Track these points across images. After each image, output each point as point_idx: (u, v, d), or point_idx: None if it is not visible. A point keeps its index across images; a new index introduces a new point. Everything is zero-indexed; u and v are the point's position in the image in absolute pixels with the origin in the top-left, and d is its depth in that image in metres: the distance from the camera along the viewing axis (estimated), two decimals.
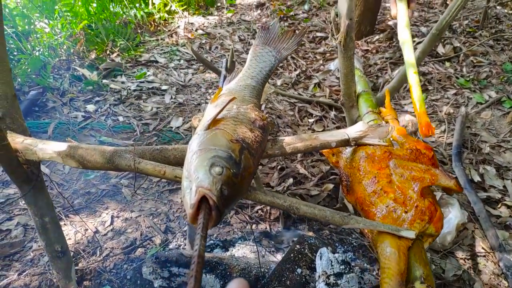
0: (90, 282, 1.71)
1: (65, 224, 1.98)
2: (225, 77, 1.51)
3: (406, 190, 1.00)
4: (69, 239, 1.90)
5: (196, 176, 0.82)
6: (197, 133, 0.97)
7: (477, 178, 2.53)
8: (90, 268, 1.76)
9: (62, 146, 1.19)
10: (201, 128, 0.99)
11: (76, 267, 1.74)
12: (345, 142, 1.27)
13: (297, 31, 1.53)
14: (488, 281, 1.87)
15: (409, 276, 0.85)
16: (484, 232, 2.12)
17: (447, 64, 3.91)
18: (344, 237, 2.03)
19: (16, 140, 1.19)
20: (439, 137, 3.01)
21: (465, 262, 1.96)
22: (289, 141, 1.26)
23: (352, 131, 1.29)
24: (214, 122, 1.02)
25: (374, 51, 4.20)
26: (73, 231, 1.94)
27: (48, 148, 1.18)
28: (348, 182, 1.23)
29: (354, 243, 2.00)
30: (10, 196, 2.09)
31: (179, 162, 1.18)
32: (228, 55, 1.71)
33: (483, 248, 2.04)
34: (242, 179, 0.88)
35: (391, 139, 1.36)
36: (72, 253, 1.80)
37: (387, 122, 1.55)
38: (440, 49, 4.07)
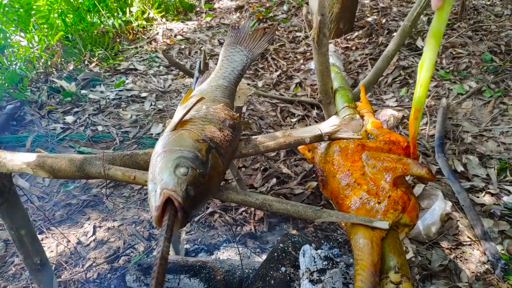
0: None
1: (46, 237, 1.94)
2: (197, 79, 1.50)
3: (379, 181, 1.00)
4: (51, 251, 1.87)
5: (161, 178, 0.81)
6: (163, 134, 0.96)
7: (460, 168, 2.55)
8: (73, 280, 1.73)
9: (31, 157, 1.16)
10: (167, 130, 0.97)
11: (59, 279, 1.71)
12: (319, 137, 1.27)
13: (267, 29, 1.53)
14: (475, 269, 1.88)
15: (383, 266, 0.85)
16: (469, 221, 2.13)
17: None
18: (329, 233, 2.03)
19: None
20: (422, 129, 3.03)
21: (451, 252, 1.97)
22: (262, 139, 1.25)
23: (325, 126, 1.28)
24: (182, 123, 1.01)
25: (353, 48, 4.22)
26: (55, 244, 1.91)
27: (17, 160, 1.16)
28: (323, 177, 1.22)
29: (340, 239, 1.99)
30: None
31: None
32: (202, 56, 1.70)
33: (468, 237, 2.05)
34: (209, 179, 0.87)
35: (366, 132, 1.36)
36: (54, 266, 1.77)
37: (362, 116, 1.55)
38: (419, 43, 4.10)
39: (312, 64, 3.91)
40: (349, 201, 1.02)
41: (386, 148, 1.15)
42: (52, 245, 1.91)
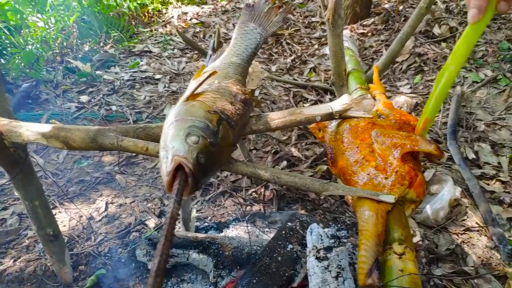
0: (85, 267, 1.73)
1: (60, 212, 1.99)
2: (210, 57, 1.51)
3: (387, 157, 1.00)
4: (64, 226, 1.92)
5: (172, 146, 0.83)
6: (175, 105, 0.98)
7: (471, 156, 2.52)
8: (85, 253, 1.78)
9: (46, 128, 1.19)
10: (180, 101, 0.99)
11: (71, 252, 1.76)
12: (330, 116, 1.27)
13: (282, 8, 1.53)
14: (481, 254, 1.87)
15: (388, 238, 0.86)
16: (477, 208, 2.12)
17: (443, 44, 3.88)
18: (337, 215, 2.04)
19: (1, 123, 1.20)
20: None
21: (458, 236, 1.97)
22: (273, 116, 1.26)
23: (336, 104, 1.29)
24: (194, 96, 1.02)
25: (369, 34, 4.17)
26: (67, 218, 1.96)
27: (32, 130, 1.19)
28: (332, 154, 1.23)
29: (348, 221, 2.01)
30: (4, 186, 2.11)
31: None
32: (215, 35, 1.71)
33: (476, 223, 2.04)
34: (220, 149, 0.89)
35: (377, 112, 1.36)
36: (66, 239, 1.82)
37: (374, 97, 1.55)
38: (436, 30, 4.03)
39: (327, 49, 3.88)
40: (356, 177, 1.03)
41: (396, 127, 1.16)
42: (65, 220, 1.96)
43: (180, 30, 1.95)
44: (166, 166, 0.81)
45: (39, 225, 1.47)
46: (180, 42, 3.90)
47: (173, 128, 0.86)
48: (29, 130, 1.19)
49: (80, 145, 1.17)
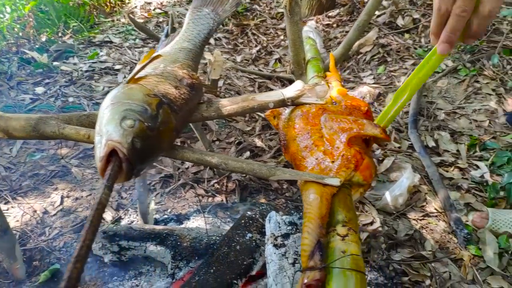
0: (39, 262, 1.66)
1: (12, 207, 1.91)
2: (162, 42, 1.47)
3: (334, 142, 1.00)
4: (17, 221, 1.84)
5: (106, 130, 0.79)
6: (114, 89, 0.94)
7: (431, 144, 2.58)
8: (38, 248, 1.71)
9: None
10: (120, 85, 0.95)
11: (24, 248, 1.69)
12: (282, 102, 1.26)
13: None
14: (439, 239, 1.92)
15: (332, 221, 0.85)
16: (436, 194, 2.17)
17: (406, 35, 3.94)
18: (299, 204, 2.04)
19: None
20: None
21: (417, 222, 2.01)
22: (225, 103, 1.23)
23: (289, 91, 1.27)
24: (136, 79, 0.99)
25: (334, 25, 4.19)
26: (20, 213, 1.88)
27: None
28: (285, 141, 1.22)
29: None
30: None
31: None
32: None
33: (435, 208, 2.09)
34: (159, 134, 0.85)
35: (331, 98, 1.35)
36: (19, 234, 1.75)
37: (329, 84, 1.54)
38: (400, 21, 4.09)
39: None
40: (305, 162, 1.02)
41: (347, 112, 1.15)
42: (18, 215, 1.88)
43: (131, 16, 1.90)
44: (99, 151, 0.77)
45: None
46: (142, 32, 3.81)
47: (108, 112, 0.82)
48: None
49: (21, 134, 1.11)
